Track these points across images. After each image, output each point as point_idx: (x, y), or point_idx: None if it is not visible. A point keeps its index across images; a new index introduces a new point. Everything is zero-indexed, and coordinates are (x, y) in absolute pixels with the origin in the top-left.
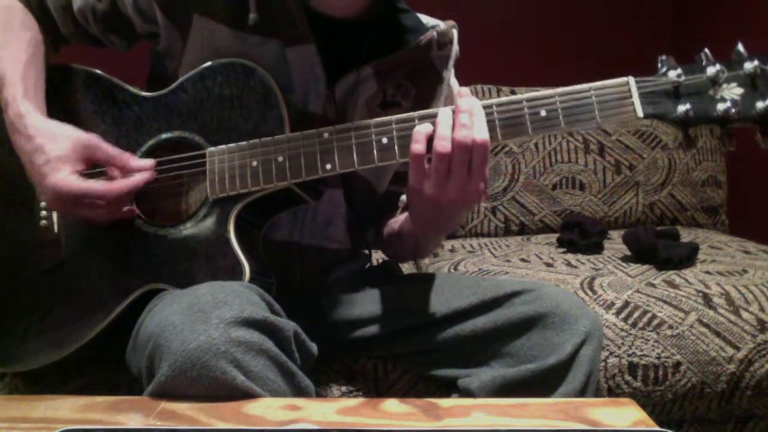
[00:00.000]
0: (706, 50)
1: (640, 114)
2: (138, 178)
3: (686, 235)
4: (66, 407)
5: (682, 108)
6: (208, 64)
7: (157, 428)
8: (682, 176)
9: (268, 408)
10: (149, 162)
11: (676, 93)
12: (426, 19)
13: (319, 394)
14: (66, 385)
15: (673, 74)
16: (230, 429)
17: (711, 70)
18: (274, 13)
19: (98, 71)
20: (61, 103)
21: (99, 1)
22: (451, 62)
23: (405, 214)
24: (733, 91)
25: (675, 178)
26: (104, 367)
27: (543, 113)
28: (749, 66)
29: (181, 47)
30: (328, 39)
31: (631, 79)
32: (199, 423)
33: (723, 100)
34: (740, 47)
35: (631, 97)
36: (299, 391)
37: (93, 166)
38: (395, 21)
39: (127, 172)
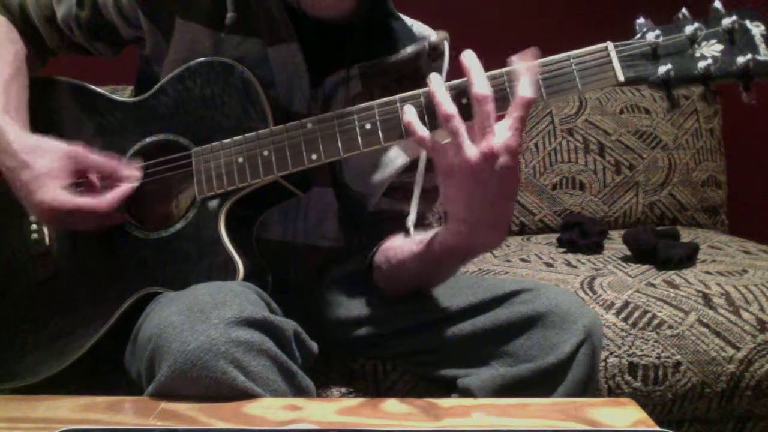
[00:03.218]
0: (684, 9)
1: (621, 78)
2: (127, 187)
3: (686, 235)
4: (66, 407)
5: (662, 69)
6: (187, 64)
7: (157, 428)
8: (682, 176)
9: (268, 408)
10: (136, 166)
11: (655, 54)
12: (418, 28)
13: (319, 395)
14: (63, 390)
15: (651, 36)
16: (230, 429)
17: (689, 29)
18: (253, 13)
19: (77, 81)
20: (43, 116)
21: (82, 10)
22: (443, 77)
23: (417, 239)
24: (712, 48)
25: (675, 178)
26: (102, 373)
27: None
28: (727, 22)
29: (165, 51)
30: (314, 39)
31: (610, 44)
32: (199, 423)
33: (703, 57)
34: (717, 3)
35: (611, 62)
36: (299, 391)
37: (80, 177)
38: (384, 25)
39: (115, 179)
